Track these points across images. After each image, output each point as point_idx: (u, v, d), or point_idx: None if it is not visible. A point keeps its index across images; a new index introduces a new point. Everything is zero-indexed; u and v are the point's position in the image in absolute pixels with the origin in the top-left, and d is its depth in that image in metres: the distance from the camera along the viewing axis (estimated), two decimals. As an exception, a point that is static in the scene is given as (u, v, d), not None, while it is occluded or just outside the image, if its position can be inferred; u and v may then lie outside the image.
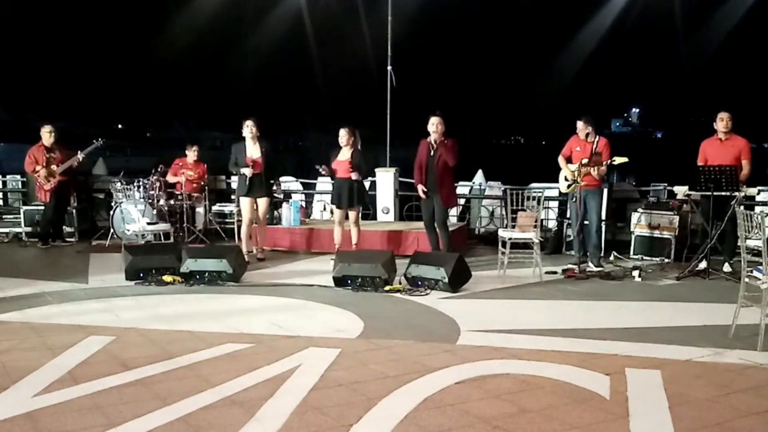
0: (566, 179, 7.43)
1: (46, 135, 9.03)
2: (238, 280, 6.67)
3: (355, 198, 7.79)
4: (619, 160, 7.13)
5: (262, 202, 7.86)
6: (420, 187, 7.46)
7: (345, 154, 7.77)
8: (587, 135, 7.25)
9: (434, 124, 7.27)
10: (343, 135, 7.76)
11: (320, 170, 7.89)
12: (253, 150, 7.78)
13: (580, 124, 7.33)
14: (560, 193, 7.84)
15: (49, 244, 9.05)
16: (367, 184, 10.83)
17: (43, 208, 9.16)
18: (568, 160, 7.46)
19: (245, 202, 7.86)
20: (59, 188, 9.02)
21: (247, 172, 7.68)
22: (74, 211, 9.68)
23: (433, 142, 7.34)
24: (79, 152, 9.13)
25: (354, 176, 7.68)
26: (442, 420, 3.22)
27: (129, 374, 3.84)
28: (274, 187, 8.48)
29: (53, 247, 9.03)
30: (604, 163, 7.12)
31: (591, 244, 7.40)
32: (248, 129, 7.76)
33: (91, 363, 4.07)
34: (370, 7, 14.43)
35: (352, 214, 7.87)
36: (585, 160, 7.15)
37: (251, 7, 19.45)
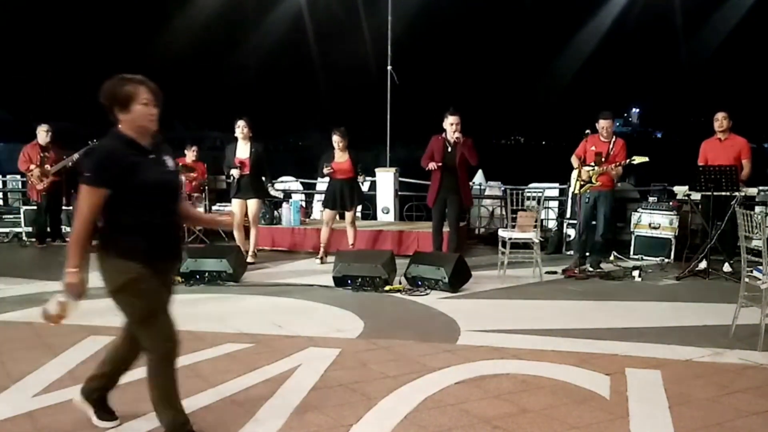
0: (579, 179, 7.23)
1: (42, 134, 9.00)
2: (238, 280, 6.67)
3: (355, 198, 7.79)
4: (638, 159, 6.94)
5: (252, 204, 7.71)
6: (433, 163, 7.09)
7: (342, 156, 7.75)
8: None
9: (453, 124, 7.03)
10: (338, 140, 7.69)
11: (325, 169, 7.80)
12: (242, 150, 7.71)
13: (607, 122, 7.12)
14: (572, 193, 7.66)
15: (45, 243, 9.04)
16: (367, 184, 10.87)
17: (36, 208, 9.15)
18: (582, 160, 7.25)
19: (235, 204, 7.84)
20: (51, 188, 8.99)
21: (234, 172, 7.66)
22: (74, 211, 9.65)
23: (449, 140, 7.14)
24: (74, 153, 9.11)
25: (361, 178, 7.77)
26: (442, 420, 3.22)
27: (129, 374, 3.84)
28: (269, 188, 8.09)
29: (50, 246, 9.02)
30: (621, 163, 7.01)
31: (595, 247, 7.31)
32: (239, 129, 7.66)
33: (91, 363, 4.06)
34: (370, 7, 14.43)
35: (348, 215, 7.87)
36: (592, 164, 7.06)
37: (251, 7, 19.44)
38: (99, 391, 3.13)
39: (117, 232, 2.81)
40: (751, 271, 4.59)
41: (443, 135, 7.20)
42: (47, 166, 8.91)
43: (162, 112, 2.85)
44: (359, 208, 10.63)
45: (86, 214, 2.75)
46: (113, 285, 2.83)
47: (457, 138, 7.02)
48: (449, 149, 7.14)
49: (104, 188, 2.71)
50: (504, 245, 7.12)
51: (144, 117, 2.79)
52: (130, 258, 2.77)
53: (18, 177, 11.47)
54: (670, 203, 8.30)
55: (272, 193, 7.96)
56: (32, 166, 8.88)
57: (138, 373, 3.86)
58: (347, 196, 7.74)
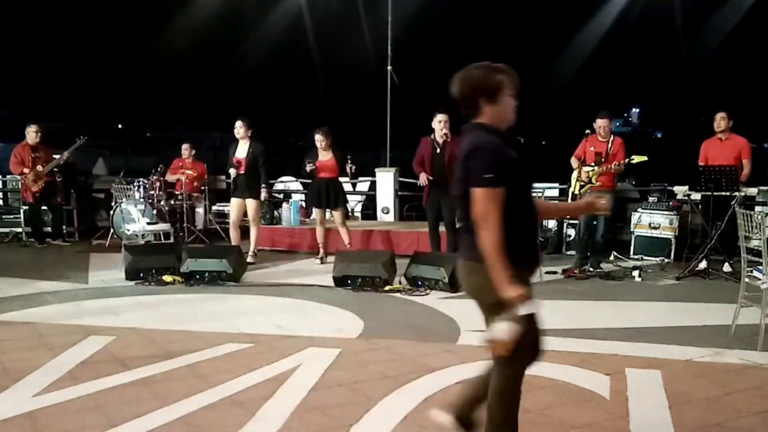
0: (579, 180, 7.18)
1: (32, 134, 9.02)
2: (238, 280, 6.67)
3: (340, 198, 7.82)
4: (637, 158, 6.92)
5: (251, 204, 7.73)
6: (423, 175, 7.06)
7: (326, 155, 7.74)
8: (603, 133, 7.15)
9: (442, 122, 6.97)
10: (320, 140, 7.70)
11: (307, 165, 7.77)
12: (240, 150, 7.76)
13: (604, 121, 7.12)
14: (572, 193, 7.66)
15: (45, 243, 9.04)
16: (366, 184, 10.87)
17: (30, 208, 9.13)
18: (582, 161, 7.23)
19: (232, 203, 7.89)
20: (45, 188, 9.00)
21: (232, 172, 7.76)
22: (74, 211, 9.65)
23: (438, 139, 7.09)
24: (64, 152, 9.12)
25: (349, 164, 7.84)
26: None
27: (129, 374, 3.85)
28: (263, 192, 7.83)
29: (50, 246, 9.02)
30: (621, 162, 6.99)
31: (596, 247, 7.28)
32: (236, 130, 7.73)
33: (91, 363, 4.07)
34: (370, 7, 14.44)
35: (337, 215, 7.85)
36: (592, 164, 7.06)
37: (252, 7, 19.46)
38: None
39: (506, 238, 2.38)
40: (751, 271, 4.58)
41: (431, 136, 7.15)
42: (39, 167, 8.93)
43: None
44: (358, 207, 10.65)
45: (497, 219, 2.35)
46: (498, 297, 2.42)
47: (444, 135, 7.00)
48: (438, 150, 7.07)
49: (504, 187, 2.38)
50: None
51: (510, 109, 2.54)
52: (519, 268, 2.40)
53: (18, 177, 11.48)
54: (670, 203, 8.29)
55: (262, 196, 7.74)
56: (26, 169, 8.90)
57: (137, 373, 3.87)
58: (331, 195, 7.77)
